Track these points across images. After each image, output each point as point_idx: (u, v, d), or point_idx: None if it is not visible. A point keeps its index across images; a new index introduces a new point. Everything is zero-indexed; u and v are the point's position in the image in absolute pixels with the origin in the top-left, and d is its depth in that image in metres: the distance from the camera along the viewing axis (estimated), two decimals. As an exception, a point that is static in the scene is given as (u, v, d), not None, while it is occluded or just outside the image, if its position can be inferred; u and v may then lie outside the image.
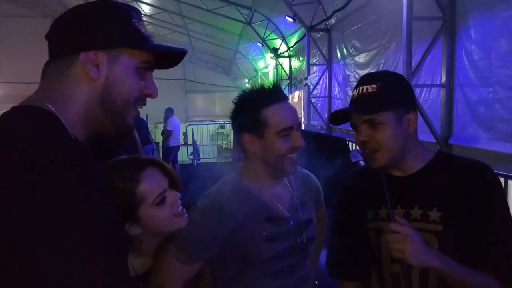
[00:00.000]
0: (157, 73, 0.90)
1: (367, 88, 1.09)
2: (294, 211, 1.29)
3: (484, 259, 1.05)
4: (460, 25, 4.24)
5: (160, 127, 9.29)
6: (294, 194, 1.32)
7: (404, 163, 1.14)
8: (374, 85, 1.08)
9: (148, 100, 0.92)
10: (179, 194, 1.15)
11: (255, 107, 1.19)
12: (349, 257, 1.25)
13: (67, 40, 0.80)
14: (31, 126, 0.71)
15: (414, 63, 4.54)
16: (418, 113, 4.30)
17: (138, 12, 0.85)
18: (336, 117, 1.18)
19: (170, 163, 7.99)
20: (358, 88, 1.12)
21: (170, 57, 0.90)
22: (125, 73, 0.80)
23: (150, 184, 1.08)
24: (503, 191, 1.11)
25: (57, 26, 0.81)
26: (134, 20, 0.81)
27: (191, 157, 11.09)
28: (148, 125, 8.91)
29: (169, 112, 8.18)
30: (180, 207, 1.14)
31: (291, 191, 1.32)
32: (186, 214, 1.15)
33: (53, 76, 0.81)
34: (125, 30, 0.80)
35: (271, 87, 1.23)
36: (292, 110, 1.22)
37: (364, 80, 1.13)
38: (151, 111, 10.84)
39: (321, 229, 1.46)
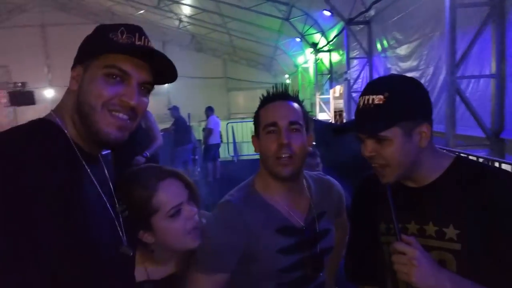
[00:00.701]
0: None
1: (373, 99, 0.96)
2: (311, 221, 1.24)
3: (507, 282, 0.94)
4: (509, 11, 3.93)
5: (203, 124, 9.45)
6: (313, 203, 1.26)
7: (417, 175, 1.04)
8: (381, 96, 0.95)
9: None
10: (196, 209, 1.14)
11: (257, 109, 1.25)
12: (365, 262, 1.20)
13: None
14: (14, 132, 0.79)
15: (460, 53, 4.28)
16: (465, 106, 3.97)
17: (129, 27, 0.90)
18: (339, 129, 1.08)
19: (212, 161, 8.17)
20: (363, 97, 1.00)
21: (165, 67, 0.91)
22: (91, 80, 0.86)
23: (167, 195, 1.09)
24: None
25: None
26: (111, 33, 0.87)
27: (230, 154, 10.93)
28: (191, 124, 9.11)
29: (209, 111, 8.36)
30: (196, 222, 1.13)
31: (310, 199, 1.27)
32: (199, 236, 1.13)
33: None
34: (95, 43, 0.89)
35: (277, 89, 1.23)
36: (282, 108, 1.18)
37: (370, 88, 1.00)
38: (195, 109, 11.14)
39: (341, 237, 1.39)
